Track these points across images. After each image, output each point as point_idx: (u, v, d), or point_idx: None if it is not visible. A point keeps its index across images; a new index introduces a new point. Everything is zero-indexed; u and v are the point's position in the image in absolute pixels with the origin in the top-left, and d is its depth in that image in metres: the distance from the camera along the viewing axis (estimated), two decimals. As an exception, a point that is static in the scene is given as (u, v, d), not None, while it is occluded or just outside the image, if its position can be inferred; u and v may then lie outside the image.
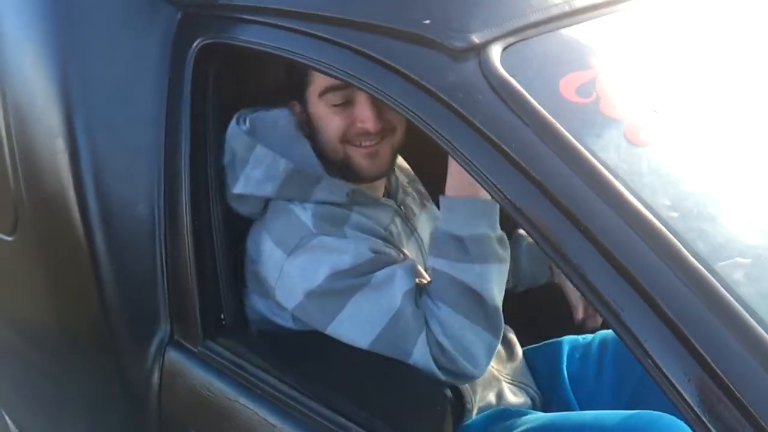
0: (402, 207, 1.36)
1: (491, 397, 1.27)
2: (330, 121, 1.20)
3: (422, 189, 1.48)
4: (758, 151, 0.96)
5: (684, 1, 1.15)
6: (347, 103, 1.18)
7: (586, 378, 1.41)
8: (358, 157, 1.22)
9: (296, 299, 1.15)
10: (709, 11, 1.15)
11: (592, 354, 1.43)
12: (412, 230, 1.34)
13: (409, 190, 1.43)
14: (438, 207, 1.42)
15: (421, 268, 1.19)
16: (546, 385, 1.41)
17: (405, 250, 1.27)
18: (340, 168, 1.24)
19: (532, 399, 1.36)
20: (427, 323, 1.09)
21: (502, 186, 0.82)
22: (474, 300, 1.07)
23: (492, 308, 1.09)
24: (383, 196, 1.34)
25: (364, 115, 1.17)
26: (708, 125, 0.96)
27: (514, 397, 1.32)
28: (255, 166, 1.19)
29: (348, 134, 1.20)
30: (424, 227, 1.39)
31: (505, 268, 1.11)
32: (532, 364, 1.43)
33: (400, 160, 1.45)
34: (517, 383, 1.34)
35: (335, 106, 1.19)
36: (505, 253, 1.11)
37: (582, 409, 1.36)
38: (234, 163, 1.21)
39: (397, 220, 1.30)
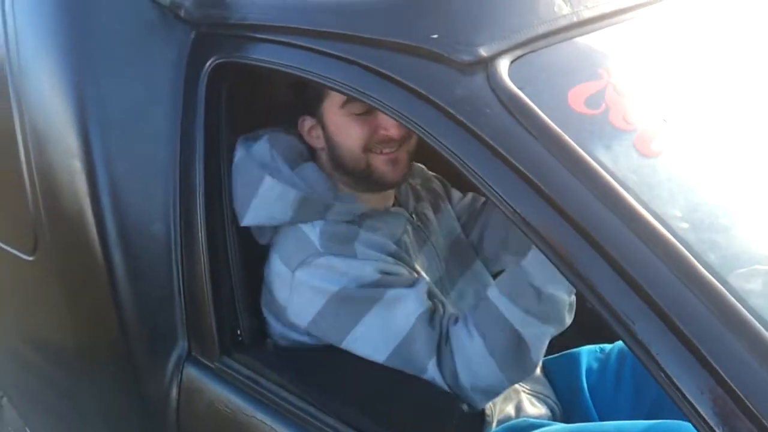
0: (414, 215, 1.36)
1: (510, 410, 1.27)
2: (352, 131, 1.20)
3: (437, 188, 1.48)
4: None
5: (693, 10, 1.14)
6: (369, 112, 1.19)
7: (605, 388, 1.40)
8: (380, 164, 1.22)
9: (308, 318, 1.16)
10: (718, 20, 1.14)
11: (611, 364, 1.42)
12: (425, 238, 1.34)
13: (423, 194, 1.43)
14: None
15: (434, 287, 1.20)
16: (565, 396, 1.40)
17: (418, 261, 1.27)
18: (361, 178, 1.24)
19: (551, 410, 1.35)
20: (447, 346, 1.09)
21: (511, 200, 0.82)
22: (517, 350, 1.07)
23: (531, 363, 1.10)
24: (394, 206, 1.34)
25: (388, 122, 1.17)
26: (719, 134, 0.95)
27: (533, 408, 1.31)
28: (264, 199, 1.20)
29: (370, 143, 1.20)
30: (439, 232, 1.38)
31: (561, 329, 1.11)
32: (550, 374, 1.42)
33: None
34: (536, 394, 1.34)
35: (358, 115, 1.19)
36: (569, 319, 1.10)
37: (602, 419, 1.35)
38: (242, 193, 1.22)
39: (410, 229, 1.30)
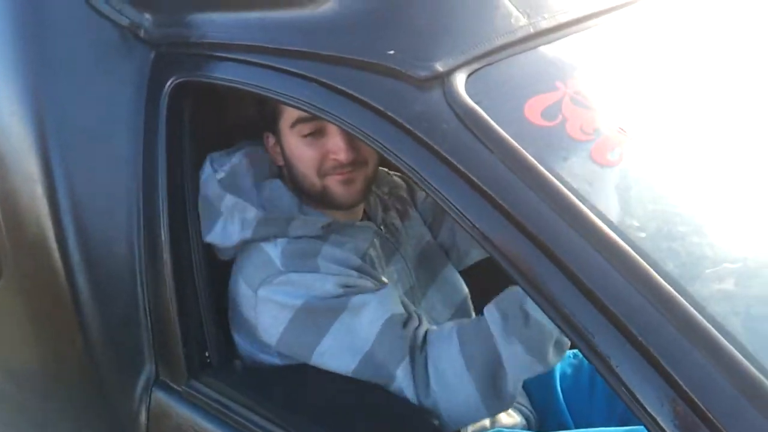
0: (382, 227, 1.35)
1: (485, 421, 1.27)
2: (303, 154, 1.20)
3: (405, 195, 1.47)
4: (725, 169, 0.96)
5: (650, 19, 1.14)
6: (318, 133, 1.18)
7: (579, 394, 1.40)
8: (335, 184, 1.22)
9: (275, 336, 1.15)
10: (676, 28, 1.15)
11: (584, 369, 1.42)
12: (394, 250, 1.33)
13: (390, 203, 1.42)
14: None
15: (405, 298, 1.19)
16: (540, 403, 1.40)
17: (387, 274, 1.26)
18: (318, 199, 1.24)
19: (526, 418, 1.35)
20: (422, 353, 1.09)
21: (469, 215, 0.82)
22: (495, 373, 1.06)
23: (507, 393, 1.07)
24: (362, 219, 1.33)
25: (337, 146, 1.17)
26: (676, 142, 0.96)
27: (508, 418, 1.31)
28: (226, 217, 1.19)
29: (323, 167, 1.20)
30: (408, 242, 1.38)
31: (541, 371, 1.08)
32: (525, 381, 1.42)
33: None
34: (510, 403, 1.33)
35: (306, 136, 1.19)
36: (553, 361, 1.07)
37: (576, 425, 1.35)
38: (205, 210, 1.21)
39: (377, 242, 1.29)
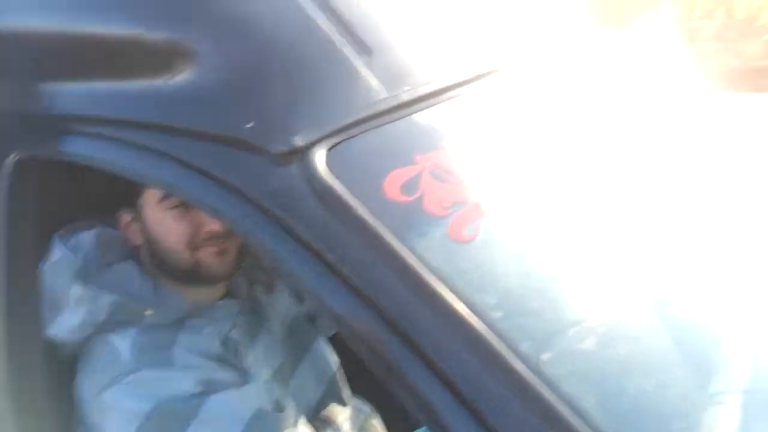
0: (247, 302, 1.29)
1: None
2: (173, 228, 1.14)
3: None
4: (584, 241, 0.98)
5: (513, 90, 1.17)
6: (189, 204, 1.12)
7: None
8: (208, 257, 1.15)
9: None
10: (537, 100, 1.19)
11: None
12: (259, 326, 1.28)
13: (255, 274, 1.37)
14: None
15: (271, 384, 1.14)
16: None
17: (252, 354, 1.20)
18: (186, 275, 1.17)
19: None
20: None
21: (326, 296, 0.79)
22: None
23: None
24: (225, 296, 1.26)
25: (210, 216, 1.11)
26: (534, 216, 0.97)
27: None
28: (73, 308, 1.10)
29: (196, 240, 1.14)
30: (275, 316, 1.33)
31: None
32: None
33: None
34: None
35: (176, 208, 1.13)
36: None
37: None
38: (50, 299, 1.11)
39: (241, 320, 1.23)
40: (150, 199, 1.14)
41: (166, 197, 1.12)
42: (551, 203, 1.01)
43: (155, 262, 1.17)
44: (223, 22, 1.04)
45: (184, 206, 1.12)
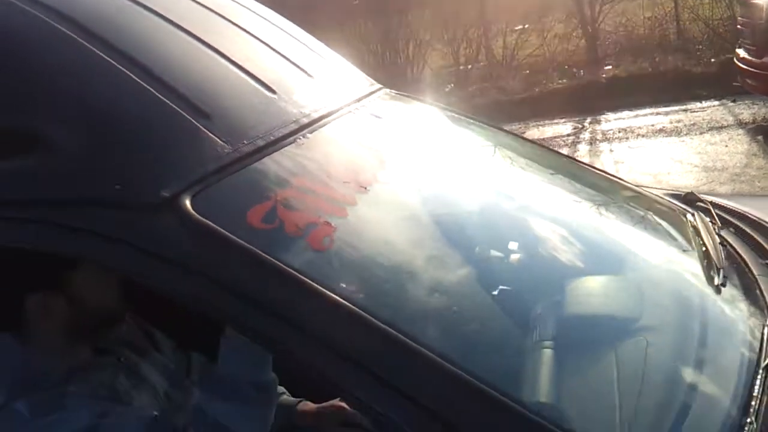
0: (123, 358, 1.37)
1: None
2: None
3: (142, 325, 1.51)
4: (413, 238, 1.24)
5: (336, 134, 1.41)
6: None
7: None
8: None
9: None
10: (355, 141, 1.44)
11: None
12: (140, 379, 1.37)
13: (132, 336, 1.45)
14: None
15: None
16: None
17: (136, 402, 1.29)
18: (107, 322, 1.29)
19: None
20: None
21: (216, 304, 0.96)
22: None
23: None
24: (94, 354, 1.33)
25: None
26: (371, 224, 1.21)
27: None
28: None
29: None
30: (154, 366, 1.42)
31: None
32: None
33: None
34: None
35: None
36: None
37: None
38: None
39: (121, 375, 1.31)
40: (83, 272, 1.21)
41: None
42: (381, 214, 1.26)
43: (72, 327, 1.24)
44: (71, 107, 1.17)
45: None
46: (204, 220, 1.04)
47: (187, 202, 1.06)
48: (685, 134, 6.35)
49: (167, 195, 1.07)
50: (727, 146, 5.78)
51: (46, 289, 1.22)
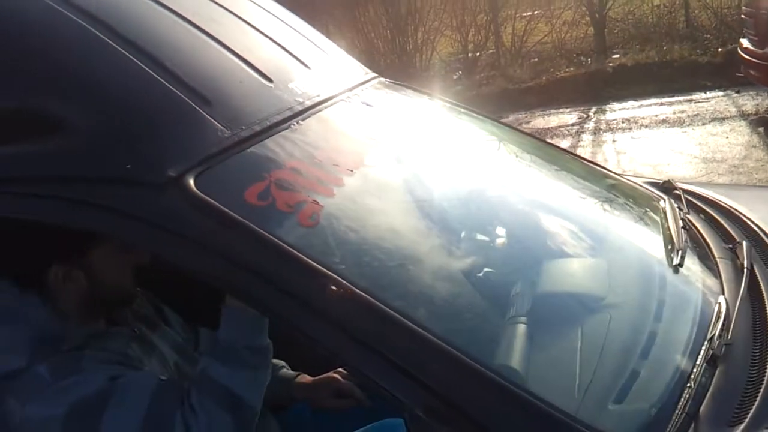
0: (136, 329, 1.51)
1: None
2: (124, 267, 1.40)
3: (153, 300, 1.64)
4: (393, 215, 1.36)
5: (337, 120, 1.53)
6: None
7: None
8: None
9: None
10: (346, 127, 1.56)
11: None
12: (152, 348, 1.50)
13: (144, 310, 1.58)
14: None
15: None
16: None
17: (148, 367, 1.42)
18: (123, 301, 1.44)
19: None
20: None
21: (215, 272, 1.09)
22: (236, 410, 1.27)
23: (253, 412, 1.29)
24: (109, 325, 1.46)
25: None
26: (355, 204, 1.34)
27: None
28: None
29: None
30: (163, 342, 1.55)
31: (255, 377, 1.30)
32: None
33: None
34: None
35: (125, 252, 1.37)
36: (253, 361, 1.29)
37: None
38: None
39: (134, 345, 1.45)
40: (103, 251, 1.34)
41: (120, 246, 1.34)
42: (366, 195, 1.38)
43: (89, 300, 1.37)
44: (88, 93, 1.29)
45: (126, 250, 1.36)
46: (205, 197, 1.16)
47: (191, 181, 1.19)
48: (688, 125, 6.42)
49: (173, 174, 1.19)
50: (728, 138, 5.86)
51: (66, 262, 1.34)
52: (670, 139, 6.14)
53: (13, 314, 1.31)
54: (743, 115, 6.42)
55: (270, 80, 1.49)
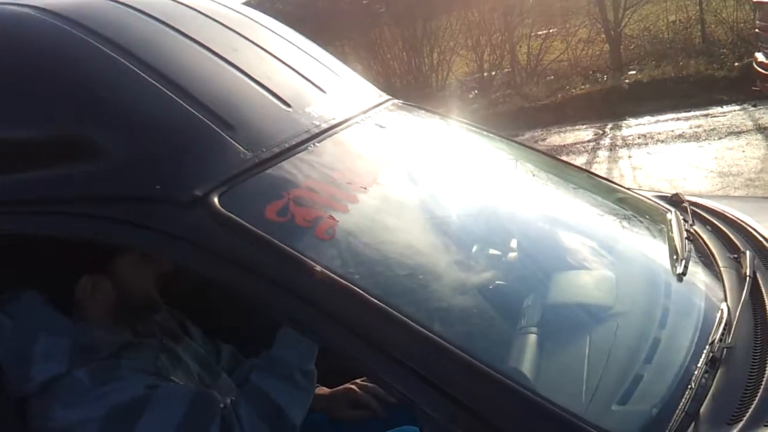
0: (163, 341, 1.59)
1: None
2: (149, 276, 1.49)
3: (177, 315, 1.72)
4: (405, 229, 1.44)
5: (341, 143, 1.62)
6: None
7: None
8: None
9: None
10: (359, 148, 1.65)
11: None
12: (178, 360, 1.58)
13: (169, 323, 1.67)
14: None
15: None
16: None
17: (176, 378, 1.50)
18: (151, 309, 1.53)
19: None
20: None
21: (241, 282, 1.18)
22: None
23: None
24: (138, 336, 1.54)
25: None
26: (369, 219, 1.42)
27: None
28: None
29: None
30: (186, 354, 1.63)
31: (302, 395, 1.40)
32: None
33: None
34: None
35: (148, 262, 1.46)
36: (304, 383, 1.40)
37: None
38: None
39: (162, 356, 1.53)
40: (126, 260, 1.44)
41: (143, 256, 1.43)
42: (378, 210, 1.46)
43: (118, 308, 1.45)
44: (122, 120, 1.39)
45: (149, 260, 1.45)
46: (229, 214, 1.25)
47: (216, 200, 1.27)
48: (704, 139, 6.45)
49: (199, 194, 1.28)
50: (744, 151, 5.88)
51: (94, 273, 1.43)
52: (686, 154, 6.17)
53: (50, 325, 1.39)
54: (760, 129, 6.43)
55: (288, 105, 1.58)
